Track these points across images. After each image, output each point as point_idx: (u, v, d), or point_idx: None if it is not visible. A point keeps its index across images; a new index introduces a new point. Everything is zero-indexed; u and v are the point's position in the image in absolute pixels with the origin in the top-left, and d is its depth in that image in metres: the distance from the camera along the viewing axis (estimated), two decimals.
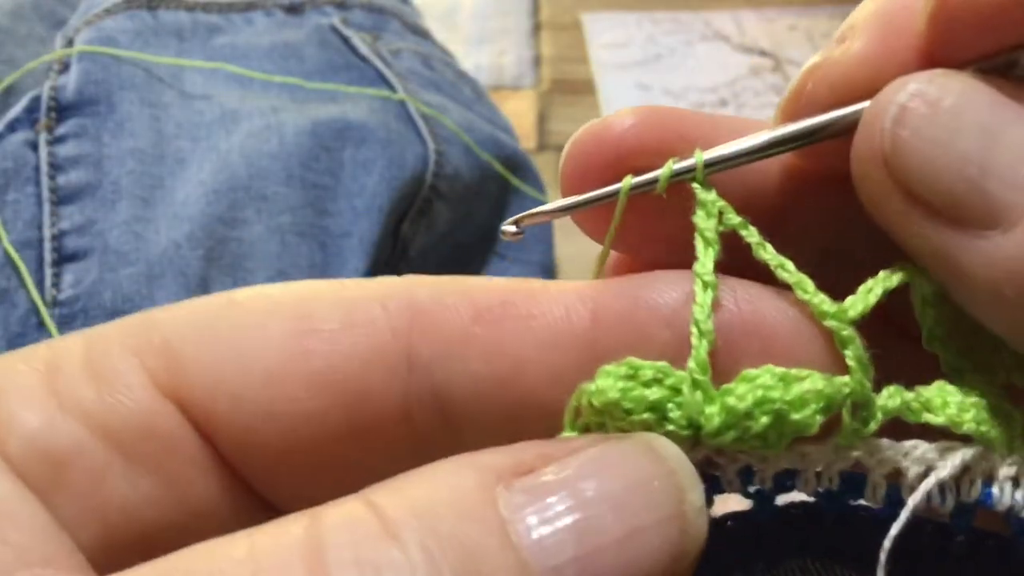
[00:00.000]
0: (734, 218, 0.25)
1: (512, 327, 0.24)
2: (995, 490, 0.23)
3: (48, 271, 0.72)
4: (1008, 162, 0.22)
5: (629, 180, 0.25)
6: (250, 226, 0.77)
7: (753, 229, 0.25)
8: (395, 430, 0.24)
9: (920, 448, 0.23)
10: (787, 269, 0.24)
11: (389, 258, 0.85)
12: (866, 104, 0.24)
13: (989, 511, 0.23)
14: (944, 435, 0.24)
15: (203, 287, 0.73)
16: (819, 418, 0.23)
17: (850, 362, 0.23)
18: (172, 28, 0.88)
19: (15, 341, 0.68)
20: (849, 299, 0.24)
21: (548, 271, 0.99)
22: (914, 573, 0.25)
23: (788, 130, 0.25)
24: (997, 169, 0.22)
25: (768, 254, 0.24)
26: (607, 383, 0.23)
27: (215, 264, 0.74)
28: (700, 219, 0.25)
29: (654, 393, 0.23)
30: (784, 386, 0.23)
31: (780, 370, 0.23)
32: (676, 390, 0.23)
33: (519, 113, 1.33)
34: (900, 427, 0.24)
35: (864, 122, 0.24)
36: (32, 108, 0.78)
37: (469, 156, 0.92)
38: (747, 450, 0.23)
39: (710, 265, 0.24)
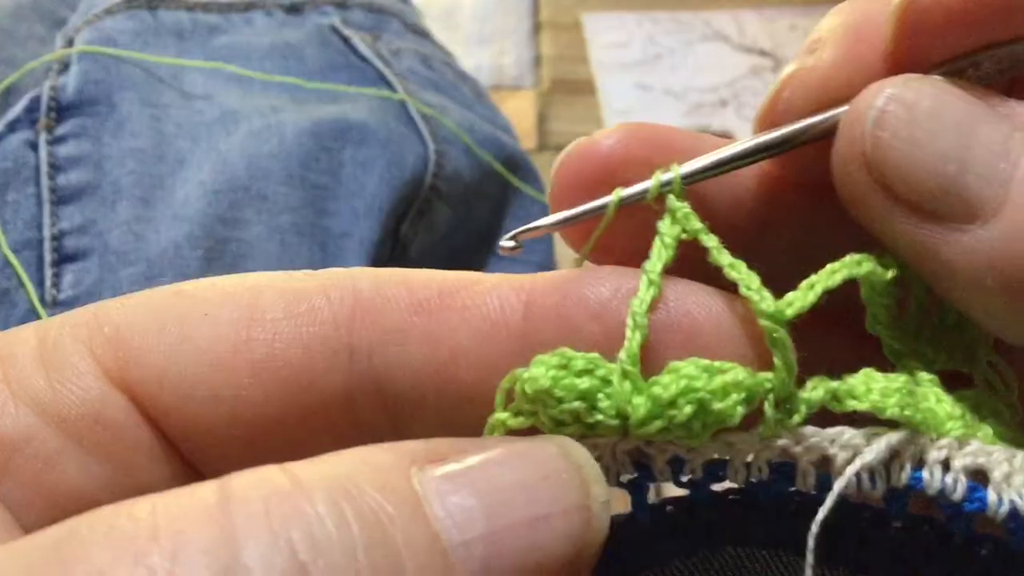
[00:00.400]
0: (696, 224, 0.26)
1: (448, 317, 0.25)
2: (925, 474, 0.23)
3: (48, 271, 0.72)
4: (984, 158, 0.23)
5: (619, 192, 0.26)
6: (250, 226, 0.77)
7: (713, 236, 0.26)
8: (339, 416, 0.25)
9: (847, 434, 0.24)
10: (737, 269, 0.25)
11: (389, 258, 0.85)
12: (843, 109, 0.25)
13: (923, 496, 0.23)
14: (876, 422, 0.24)
15: None
16: (740, 409, 0.23)
17: (777, 361, 0.24)
18: (172, 28, 0.88)
19: None
20: (788, 296, 0.24)
21: (547, 271, 0.98)
22: (856, 560, 0.25)
23: (766, 137, 0.26)
24: (974, 165, 0.23)
25: (723, 256, 0.25)
26: (539, 371, 0.23)
27: (215, 264, 0.74)
28: (664, 225, 0.26)
29: (584, 383, 0.23)
30: (708, 377, 0.23)
31: (704, 362, 0.24)
32: (606, 380, 0.24)
33: (519, 113, 1.33)
34: (833, 415, 0.24)
35: (844, 126, 0.25)
36: (32, 108, 0.78)
37: (469, 156, 0.92)
38: (674, 440, 0.24)
39: (660, 267, 0.25)
